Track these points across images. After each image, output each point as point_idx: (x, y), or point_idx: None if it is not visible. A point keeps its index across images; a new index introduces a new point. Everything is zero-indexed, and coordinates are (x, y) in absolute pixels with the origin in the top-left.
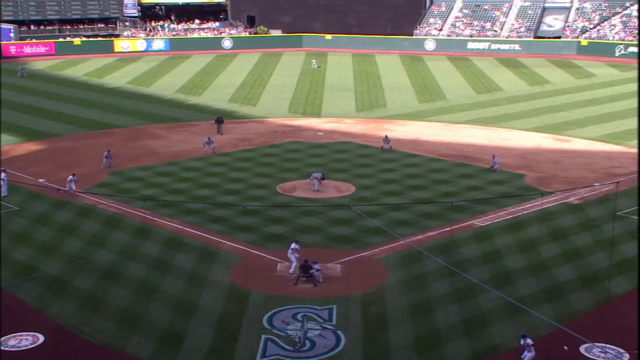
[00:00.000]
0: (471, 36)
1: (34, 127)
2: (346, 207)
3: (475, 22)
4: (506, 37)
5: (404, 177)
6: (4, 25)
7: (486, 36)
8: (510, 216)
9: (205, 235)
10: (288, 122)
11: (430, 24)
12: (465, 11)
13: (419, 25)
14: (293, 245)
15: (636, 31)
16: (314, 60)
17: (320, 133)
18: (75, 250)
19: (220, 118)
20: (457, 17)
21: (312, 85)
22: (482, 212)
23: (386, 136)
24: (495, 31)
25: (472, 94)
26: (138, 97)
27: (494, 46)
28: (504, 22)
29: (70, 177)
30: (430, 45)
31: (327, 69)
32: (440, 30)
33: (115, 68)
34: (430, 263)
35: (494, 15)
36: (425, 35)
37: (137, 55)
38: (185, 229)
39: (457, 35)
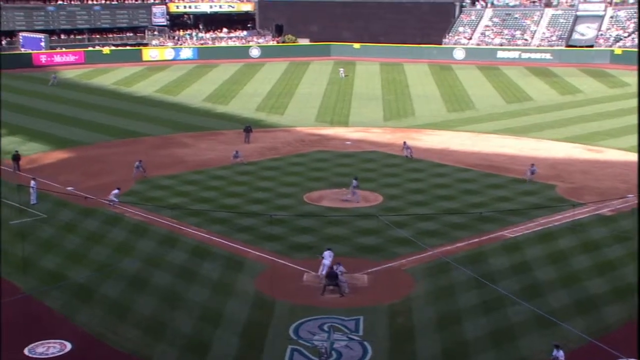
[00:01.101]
0: (501, 45)
1: (63, 135)
2: (374, 217)
3: (505, 31)
4: (537, 46)
5: (432, 187)
6: (35, 35)
7: (516, 45)
8: (541, 227)
9: (232, 244)
10: (315, 131)
11: (460, 32)
12: (495, 20)
13: (448, 34)
14: (327, 253)
15: None
16: (342, 69)
17: (348, 142)
18: (102, 258)
19: (248, 127)
20: (486, 26)
21: (339, 94)
22: (512, 223)
23: (405, 143)
24: (526, 40)
25: (501, 104)
26: (166, 106)
27: (525, 55)
28: (535, 31)
29: (116, 191)
30: (459, 54)
31: (355, 78)
32: (470, 39)
33: (143, 77)
34: (458, 274)
35: (524, 23)
36: (455, 44)
37: (165, 64)
38: (212, 237)
39: (486, 44)
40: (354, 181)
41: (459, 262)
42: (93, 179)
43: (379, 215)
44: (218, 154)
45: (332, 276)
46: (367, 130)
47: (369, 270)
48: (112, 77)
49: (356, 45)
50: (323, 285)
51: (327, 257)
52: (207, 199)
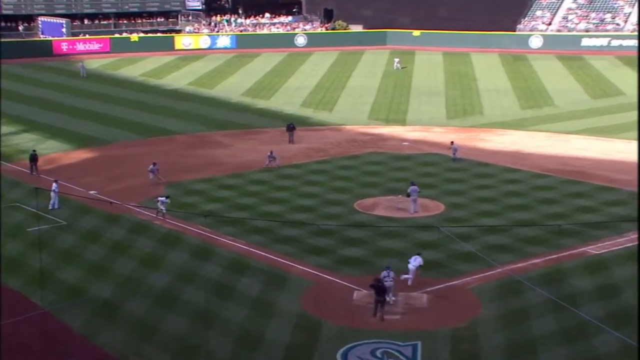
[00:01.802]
0: (587, 31)
1: (86, 133)
2: (434, 228)
3: (593, 15)
4: (630, 32)
5: (503, 195)
6: (56, 20)
7: (605, 30)
8: (631, 244)
9: (273, 257)
10: (368, 130)
11: (537, 17)
12: (581, 1)
13: (523, 19)
14: (414, 259)
15: None
16: (397, 60)
17: (405, 143)
18: (127, 271)
19: (291, 125)
20: (569, 9)
21: (396, 88)
22: (597, 238)
23: (452, 142)
24: (618, 24)
25: (585, 99)
26: (200, 100)
27: (615, 42)
28: (629, 14)
29: (163, 199)
30: (536, 42)
31: (415, 70)
32: (549, 24)
33: (175, 67)
34: (532, 295)
35: (615, 5)
36: (531, 30)
37: (199, 54)
38: (251, 249)
39: (569, 30)
40: (412, 186)
41: (534, 281)
42: (118, 182)
43: (441, 227)
44: (258, 155)
45: (381, 290)
46: (427, 130)
47: (429, 289)
48: (140, 67)
49: (415, 33)
50: (374, 302)
51: (413, 262)
52: (245, 205)
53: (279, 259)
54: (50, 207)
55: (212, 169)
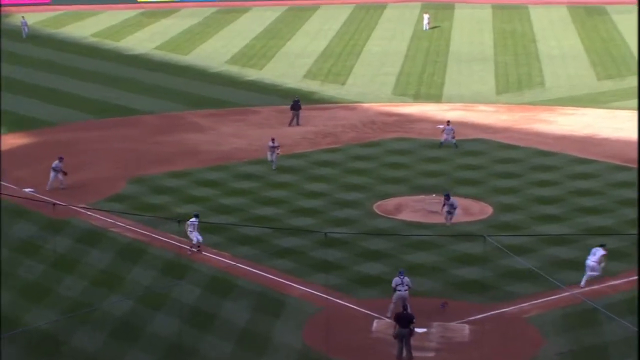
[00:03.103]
0: None
1: (20, 112)
2: (479, 238)
3: None
4: None
5: (570, 194)
6: None
7: None
8: None
9: (267, 275)
10: (392, 110)
11: None
12: None
13: None
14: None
15: None
16: (427, 16)
17: (441, 126)
18: (75, 294)
19: (297, 102)
20: None
21: (429, 54)
22: None
23: (448, 123)
24: None
25: None
26: (171, 70)
27: None
28: None
29: (193, 220)
30: None
31: (454, 30)
32: None
33: (137, 26)
34: (613, 327)
35: None
36: None
37: (169, 8)
38: (238, 265)
39: None
40: (448, 199)
41: (614, 309)
42: (66, 177)
43: (488, 235)
44: (248, 141)
45: (405, 319)
46: (470, 108)
47: (472, 318)
48: (91, 25)
49: None
50: (398, 338)
51: (593, 257)
52: (231, 208)
53: (274, 278)
54: None
55: (188, 160)
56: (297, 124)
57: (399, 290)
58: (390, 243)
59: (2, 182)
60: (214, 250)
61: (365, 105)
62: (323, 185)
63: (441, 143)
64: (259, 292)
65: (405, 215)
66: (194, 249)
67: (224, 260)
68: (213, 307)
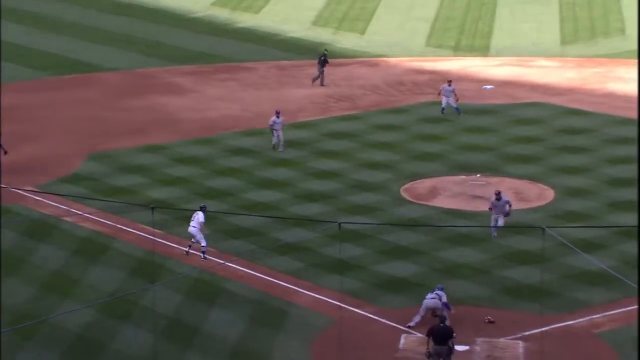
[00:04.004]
0: None
1: None
2: (536, 230)
3: None
4: None
5: None
6: None
7: None
8: None
9: (264, 277)
10: (425, 66)
11: None
12: None
13: None
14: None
15: None
16: None
17: (488, 86)
18: (20, 301)
19: (324, 56)
20: None
21: None
22: None
23: (450, 82)
24: None
25: None
26: (141, 13)
27: None
28: None
29: (199, 216)
30: None
31: None
32: None
33: None
34: None
35: None
36: None
37: None
38: (227, 264)
39: None
40: (499, 200)
41: None
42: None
43: (548, 227)
44: (240, 107)
45: (441, 335)
46: (525, 63)
47: (527, 333)
48: None
49: None
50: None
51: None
52: (219, 191)
53: (274, 281)
54: None
55: (164, 131)
56: (322, 84)
57: (426, 298)
58: (421, 237)
59: None
60: (198, 246)
61: (391, 60)
62: (336, 162)
63: (443, 109)
64: (255, 298)
65: (441, 201)
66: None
67: (211, 258)
68: (196, 318)
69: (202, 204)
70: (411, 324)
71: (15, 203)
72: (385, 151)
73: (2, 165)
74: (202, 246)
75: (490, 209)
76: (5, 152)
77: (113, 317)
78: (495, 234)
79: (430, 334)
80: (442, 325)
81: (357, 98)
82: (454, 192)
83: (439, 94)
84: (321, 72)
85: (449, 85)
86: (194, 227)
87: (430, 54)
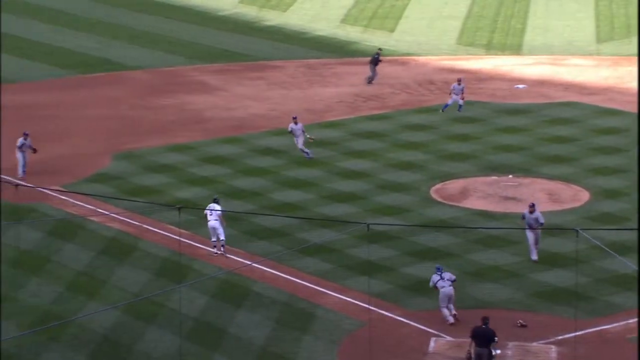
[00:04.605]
0: None
1: None
2: (571, 232)
3: None
4: None
5: None
6: None
7: None
8: None
9: (291, 278)
10: (457, 64)
11: None
12: None
13: None
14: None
15: None
16: None
17: (521, 86)
18: (43, 302)
19: (377, 55)
20: None
21: None
22: None
23: (459, 81)
24: None
25: None
26: (167, 11)
27: None
28: None
29: (214, 208)
30: None
31: None
32: None
33: None
34: None
35: None
36: None
37: None
38: (254, 265)
39: None
40: (531, 214)
41: None
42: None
43: (582, 229)
44: (268, 106)
45: (484, 336)
46: (559, 62)
47: (560, 338)
48: None
49: None
50: (470, 356)
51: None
52: (246, 191)
53: (301, 282)
54: None
55: (191, 130)
56: (370, 83)
57: (442, 287)
58: (452, 238)
59: None
60: (218, 243)
61: (421, 59)
62: (365, 162)
63: (445, 106)
64: (282, 300)
65: (472, 202)
66: (217, 251)
67: (237, 259)
68: (222, 320)
69: (214, 196)
70: (451, 320)
71: (41, 202)
72: (414, 151)
73: (28, 164)
74: (222, 240)
75: (523, 217)
76: (35, 151)
77: (139, 318)
78: (534, 257)
79: (473, 336)
80: (484, 327)
81: (386, 97)
82: (485, 193)
83: (450, 93)
84: (372, 72)
85: (459, 84)
86: (215, 220)
87: (461, 53)
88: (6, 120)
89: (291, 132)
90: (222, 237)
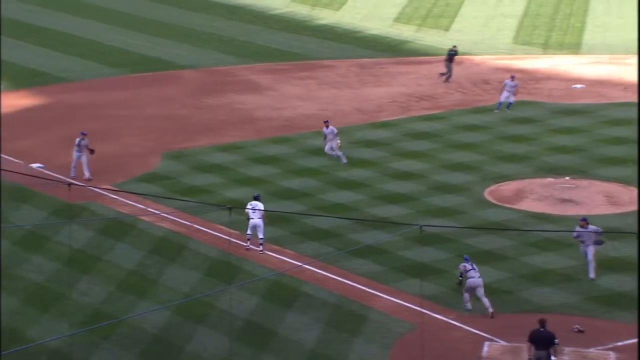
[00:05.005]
0: None
1: (24, 64)
2: (630, 237)
3: None
4: None
5: None
6: None
7: None
8: None
9: (342, 279)
10: (513, 64)
11: None
12: None
13: None
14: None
15: None
16: None
17: (578, 85)
18: (94, 302)
19: (454, 53)
20: None
21: None
22: None
23: (512, 77)
24: None
25: None
26: (218, 10)
27: None
28: None
29: (255, 204)
30: None
31: None
32: None
33: None
34: None
35: None
36: None
37: None
38: (303, 266)
39: None
40: (582, 226)
41: None
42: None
43: None
44: (319, 106)
45: (543, 339)
46: (620, 61)
47: (620, 344)
48: None
49: None
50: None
51: None
52: (296, 192)
53: (352, 284)
54: None
55: (241, 130)
56: (447, 80)
57: (472, 277)
58: (506, 241)
59: (4, 156)
60: (275, 247)
61: (476, 58)
62: (417, 163)
63: (499, 105)
64: (333, 302)
65: (528, 205)
66: (250, 245)
67: (287, 260)
68: (272, 321)
69: (255, 194)
70: (469, 307)
71: (92, 201)
72: (468, 152)
73: (89, 164)
74: (261, 238)
75: (576, 237)
76: (92, 151)
77: (189, 319)
78: (592, 275)
79: (532, 339)
80: (542, 329)
81: (440, 97)
82: (540, 195)
83: (502, 89)
84: (448, 69)
85: (512, 80)
86: (259, 218)
87: (517, 52)
88: (59, 119)
89: (325, 137)
90: (261, 236)
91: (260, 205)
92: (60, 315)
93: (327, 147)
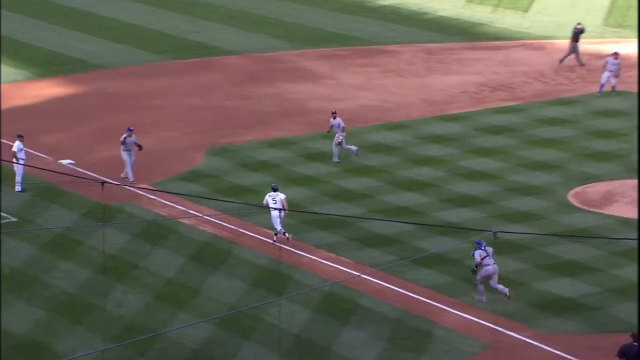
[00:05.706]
0: None
1: (54, 48)
2: None
3: None
4: None
5: None
6: None
7: None
8: None
9: (407, 292)
10: (602, 49)
11: None
12: None
13: None
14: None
15: None
16: None
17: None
18: (130, 313)
19: (579, 31)
20: None
21: None
22: None
23: (615, 54)
24: None
25: None
26: None
27: None
28: None
29: (276, 196)
30: None
31: None
32: None
33: None
34: None
35: None
36: None
37: None
38: (362, 276)
39: None
40: None
41: None
42: (109, 142)
43: None
44: (381, 96)
45: (633, 354)
46: None
47: None
48: None
49: None
50: None
51: None
52: (355, 193)
53: (417, 297)
54: (18, 189)
55: (293, 123)
56: (581, 63)
57: (487, 265)
58: (593, 250)
59: (29, 150)
60: (330, 255)
61: (559, 42)
62: (492, 161)
63: (601, 87)
64: (394, 317)
65: (618, 209)
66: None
67: (343, 269)
68: (326, 337)
69: (273, 185)
70: (478, 296)
71: (128, 202)
72: (550, 149)
73: (134, 164)
74: (281, 230)
75: None
76: (140, 148)
77: (234, 333)
78: None
79: (622, 353)
80: (635, 344)
81: (518, 87)
82: (633, 199)
83: (603, 67)
84: (574, 49)
85: (615, 58)
86: (280, 210)
87: (607, 35)
88: (91, 111)
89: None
90: (280, 227)
91: (281, 196)
92: (92, 327)
93: (335, 142)
